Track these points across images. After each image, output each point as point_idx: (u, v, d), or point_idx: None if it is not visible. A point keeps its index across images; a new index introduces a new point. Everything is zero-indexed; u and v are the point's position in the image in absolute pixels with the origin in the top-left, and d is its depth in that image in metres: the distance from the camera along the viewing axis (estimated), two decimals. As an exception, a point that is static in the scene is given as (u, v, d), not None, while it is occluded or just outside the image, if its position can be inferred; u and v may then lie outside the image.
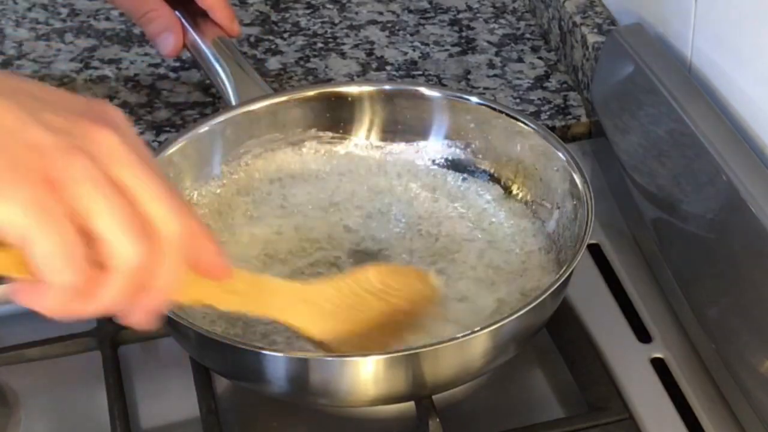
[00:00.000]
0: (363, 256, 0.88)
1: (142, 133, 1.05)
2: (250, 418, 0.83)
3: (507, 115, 0.91)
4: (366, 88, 0.95)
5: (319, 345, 0.76)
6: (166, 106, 1.08)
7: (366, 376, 0.76)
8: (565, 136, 1.05)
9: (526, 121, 0.90)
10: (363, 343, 0.77)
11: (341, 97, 0.95)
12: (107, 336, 0.86)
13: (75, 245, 0.57)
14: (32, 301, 0.60)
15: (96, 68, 1.13)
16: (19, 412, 0.84)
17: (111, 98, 1.09)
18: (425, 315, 0.81)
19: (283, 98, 0.94)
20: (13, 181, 0.56)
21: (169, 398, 0.84)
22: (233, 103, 0.95)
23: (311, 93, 0.95)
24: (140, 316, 0.62)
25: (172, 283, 0.61)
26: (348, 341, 0.77)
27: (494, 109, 0.92)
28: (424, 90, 0.95)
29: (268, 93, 0.96)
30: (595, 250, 0.94)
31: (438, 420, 0.77)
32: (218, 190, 0.92)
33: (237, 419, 0.83)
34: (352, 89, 0.95)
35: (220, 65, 1.00)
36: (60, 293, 0.58)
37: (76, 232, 0.57)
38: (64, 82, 1.11)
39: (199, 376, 0.83)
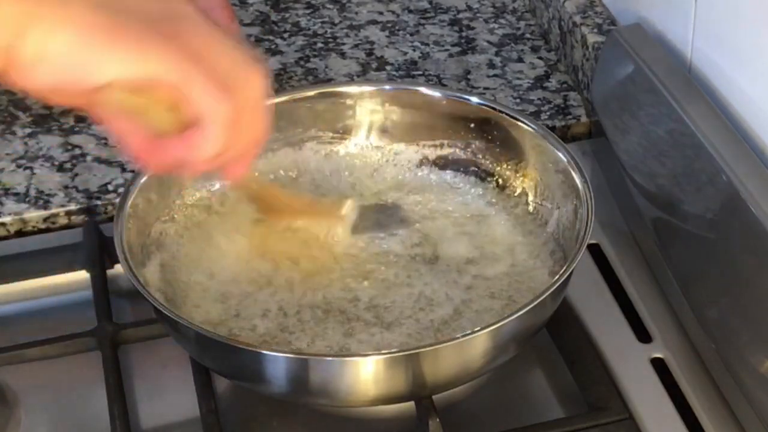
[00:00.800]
0: (370, 257, 0.88)
1: (142, 133, 1.05)
2: (250, 418, 0.83)
3: (507, 115, 0.91)
4: (366, 88, 0.95)
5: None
6: (166, 106, 1.08)
7: (366, 376, 0.76)
8: (565, 136, 1.05)
9: (526, 121, 0.90)
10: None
11: (341, 97, 0.95)
12: (107, 336, 0.86)
13: (216, 74, 0.65)
14: (191, 152, 0.67)
15: (96, 68, 1.13)
16: (19, 412, 0.84)
17: (111, 98, 1.09)
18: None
19: (283, 98, 0.94)
20: (145, 39, 0.63)
21: (169, 398, 0.84)
22: (233, 103, 0.95)
23: (311, 93, 0.95)
24: (237, 170, 0.72)
25: (261, 130, 0.70)
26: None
27: (494, 109, 0.92)
28: (424, 90, 0.95)
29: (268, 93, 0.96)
30: (595, 250, 0.94)
31: (438, 420, 0.77)
32: (218, 191, 0.92)
33: (237, 419, 0.83)
34: (352, 89, 0.95)
35: (220, 65, 0.99)
36: (219, 125, 0.65)
37: (195, 71, 0.65)
38: (64, 82, 1.11)
39: (199, 376, 0.83)
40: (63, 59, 0.61)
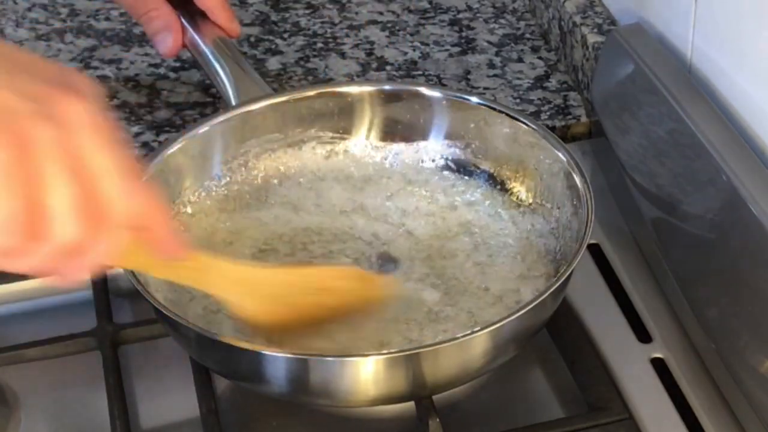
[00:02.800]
0: (363, 255, 0.88)
1: (142, 133, 1.05)
2: (250, 418, 0.83)
3: (507, 115, 0.91)
4: (366, 88, 0.95)
5: (246, 323, 0.79)
6: (166, 106, 1.08)
7: (366, 376, 0.76)
8: (565, 136, 1.05)
9: (526, 121, 0.90)
10: (289, 332, 0.80)
11: (341, 97, 0.95)
12: (107, 336, 0.86)
13: (20, 217, 0.58)
14: None
15: (96, 68, 1.13)
16: (19, 412, 0.84)
17: (111, 98, 1.09)
18: (362, 314, 0.82)
19: (283, 98, 0.94)
20: None
21: (169, 398, 0.84)
22: (233, 103, 0.95)
23: (311, 93, 0.95)
24: (67, 278, 0.63)
25: (104, 257, 0.62)
26: (276, 328, 0.79)
27: (494, 109, 0.92)
28: (424, 90, 0.95)
29: (268, 93, 0.96)
30: (595, 250, 0.94)
31: (438, 420, 0.77)
32: (218, 190, 0.92)
33: (237, 419, 0.83)
34: (352, 89, 0.95)
35: (220, 65, 1.00)
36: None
37: (28, 201, 0.58)
38: (64, 82, 1.11)
39: (199, 376, 0.83)
40: None
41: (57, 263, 0.62)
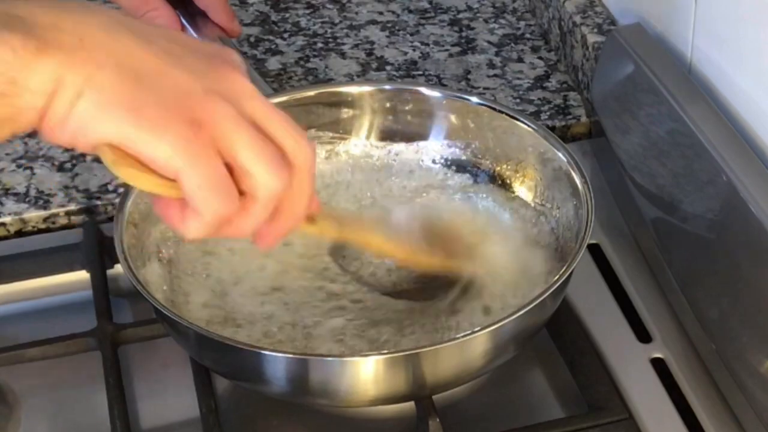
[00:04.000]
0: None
1: (142, 133, 1.05)
2: (250, 418, 0.83)
3: (507, 115, 0.91)
4: (366, 88, 0.95)
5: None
6: (166, 106, 1.08)
7: (366, 376, 0.76)
8: (565, 136, 1.05)
9: (526, 121, 0.90)
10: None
11: (341, 97, 0.95)
12: (107, 336, 0.86)
13: (224, 177, 0.63)
14: (179, 224, 0.65)
15: (96, 68, 1.13)
16: (19, 412, 0.84)
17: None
18: None
19: (283, 98, 0.94)
20: (163, 120, 0.61)
21: (169, 398, 0.84)
22: (233, 103, 0.95)
23: (311, 93, 0.95)
24: (271, 239, 0.68)
25: (306, 207, 0.67)
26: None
27: (494, 109, 0.92)
28: (424, 90, 0.95)
29: (268, 93, 0.96)
30: (595, 250, 0.94)
31: (438, 420, 0.77)
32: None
33: (237, 419, 0.83)
34: (352, 89, 0.95)
35: (220, 65, 0.99)
36: (207, 221, 0.63)
37: (223, 165, 0.63)
38: (64, 82, 1.11)
39: (199, 376, 0.83)
40: (79, 123, 0.60)
41: (267, 223, 0.66)
